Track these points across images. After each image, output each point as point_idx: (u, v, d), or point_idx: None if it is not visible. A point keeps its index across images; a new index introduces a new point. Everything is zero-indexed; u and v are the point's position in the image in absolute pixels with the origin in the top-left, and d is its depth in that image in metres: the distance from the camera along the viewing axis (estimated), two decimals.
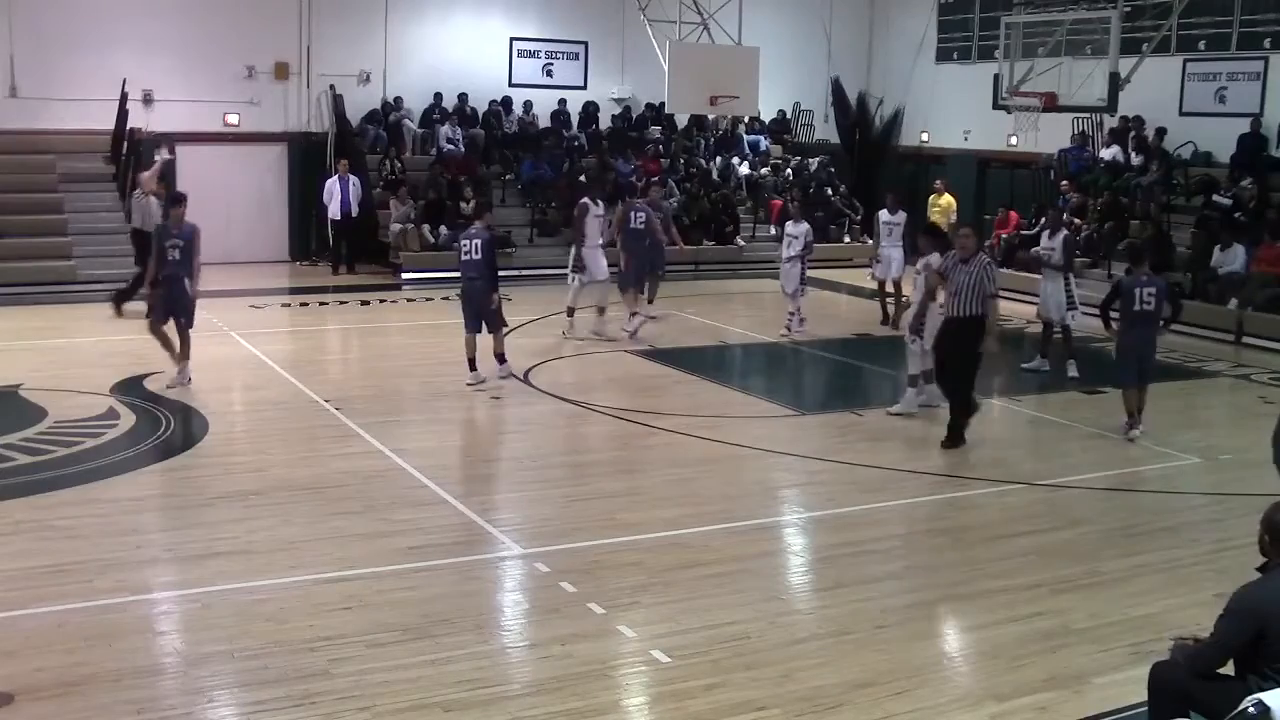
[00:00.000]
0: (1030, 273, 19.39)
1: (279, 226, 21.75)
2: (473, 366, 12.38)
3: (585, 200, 15.20)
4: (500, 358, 12.63)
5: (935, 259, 11.38)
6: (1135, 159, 20.50)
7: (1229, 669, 5.03)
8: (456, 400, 12.07)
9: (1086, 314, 13.76)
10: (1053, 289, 13.74)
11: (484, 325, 12.43)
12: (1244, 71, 19.52)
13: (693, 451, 10.56)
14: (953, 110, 24.23)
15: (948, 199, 20.89)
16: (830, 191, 23.86)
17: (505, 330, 12.82)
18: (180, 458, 9.88)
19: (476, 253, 12.22)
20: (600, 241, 15.09)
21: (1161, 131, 20.45)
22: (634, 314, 15.29)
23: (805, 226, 15.89)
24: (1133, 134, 20.63)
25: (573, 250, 15.27)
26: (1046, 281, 13.90)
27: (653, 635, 6.69)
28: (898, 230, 16.30)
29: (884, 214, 16.49)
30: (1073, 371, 13.63)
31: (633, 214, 15.47)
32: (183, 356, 12.09)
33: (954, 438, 10.76)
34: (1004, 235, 20.84)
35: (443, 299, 18.28)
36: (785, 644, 6.64)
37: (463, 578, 7.52)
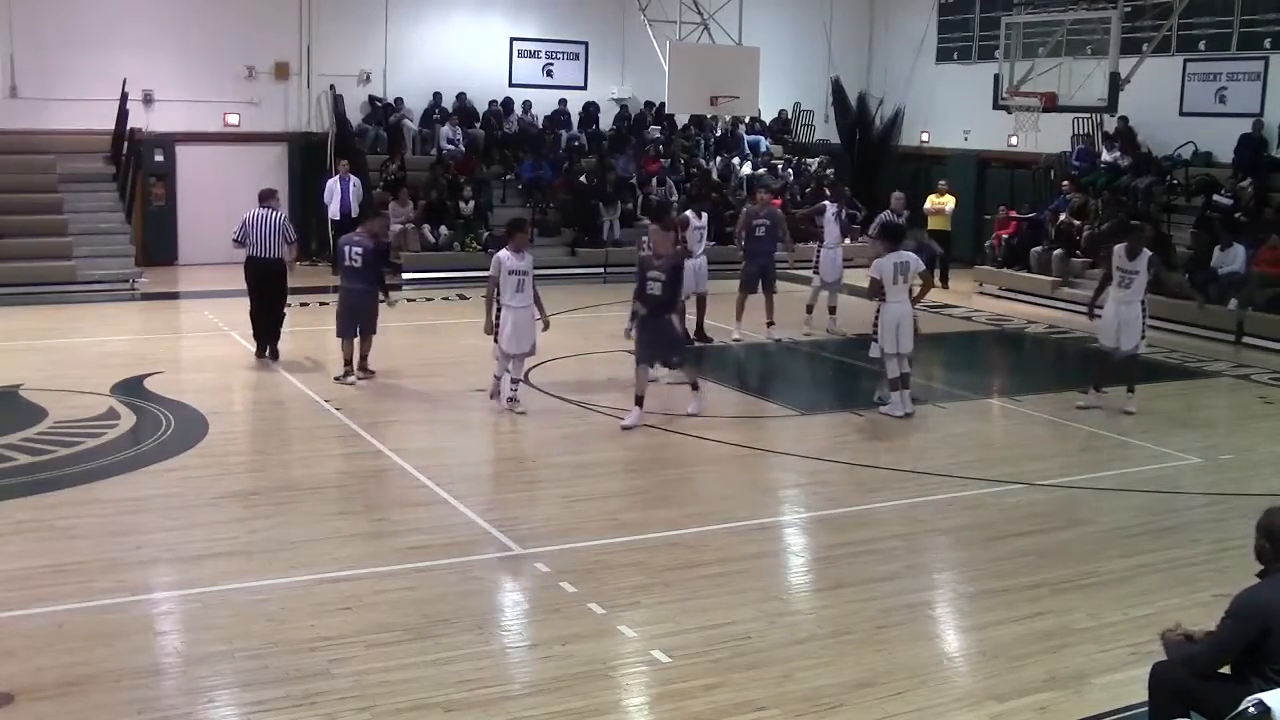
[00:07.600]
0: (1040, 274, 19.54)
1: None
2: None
3: (686, 213, 15.24)
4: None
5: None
6: (1130, 160, 20.50)
7: (1229, 668, 5.03)
8: (456, 400, 12.06)
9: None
10: (1128, 313, 11.95)
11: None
12: (1244, 71, 19.52)
13: (693, 451, 10.57)
14: (953, 110, 24.23)
15: (950, 199, 20.94)
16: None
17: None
18: (180, 458, 9.86)
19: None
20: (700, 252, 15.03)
21: (1131, 134, 20.46)
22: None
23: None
24: (1135, 135, 20.63)
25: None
26: (1120, 305, 11.97)
27: (653, 635, 6.69)
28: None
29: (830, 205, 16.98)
30: (1131, 407, 12.01)
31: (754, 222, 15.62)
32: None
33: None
34: (1004, 236, 20.82)
35: (443, 299, 18.30)
36: (785, 644, 6.64)
37: (463, 578, 7.52)
